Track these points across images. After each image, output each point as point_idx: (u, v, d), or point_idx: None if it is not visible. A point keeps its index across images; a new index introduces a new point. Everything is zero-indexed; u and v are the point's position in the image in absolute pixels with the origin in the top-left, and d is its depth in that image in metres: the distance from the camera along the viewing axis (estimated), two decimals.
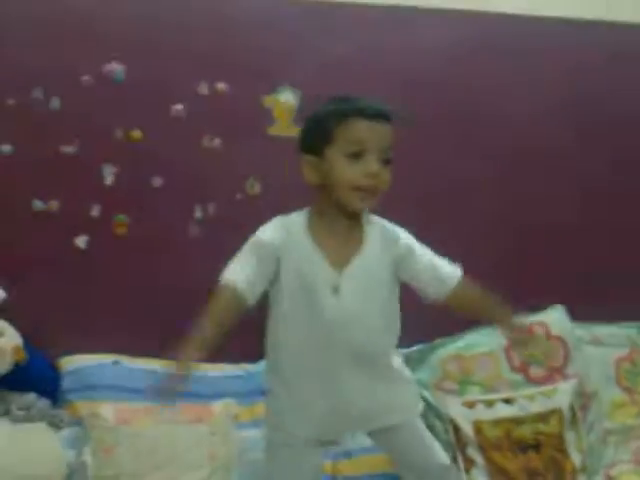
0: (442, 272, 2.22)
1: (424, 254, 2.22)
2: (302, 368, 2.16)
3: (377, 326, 2.18)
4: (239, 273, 2.09)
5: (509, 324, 2.24)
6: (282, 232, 2.13)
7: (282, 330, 2.16)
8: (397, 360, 2.29)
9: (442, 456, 2.37)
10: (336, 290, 2.11)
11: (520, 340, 2.28)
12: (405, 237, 2.22)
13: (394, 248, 2.19)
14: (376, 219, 2.21)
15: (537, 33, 3.40)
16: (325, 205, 2.14)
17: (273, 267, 2.12)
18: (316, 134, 2.12)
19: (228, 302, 2.08)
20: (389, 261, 2.18)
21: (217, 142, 3.13)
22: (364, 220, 2.18)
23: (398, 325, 2.25)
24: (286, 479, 2.24)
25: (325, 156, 2.10)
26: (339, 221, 2.14)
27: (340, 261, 2.12)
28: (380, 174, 2.08)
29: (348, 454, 2.80)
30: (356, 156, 2.07)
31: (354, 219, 2.16)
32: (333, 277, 2.11)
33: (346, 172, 2.07)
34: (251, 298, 2.09)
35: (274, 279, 2.13)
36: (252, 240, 2.15)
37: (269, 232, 2.14)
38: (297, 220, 2.17)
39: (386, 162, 2.10)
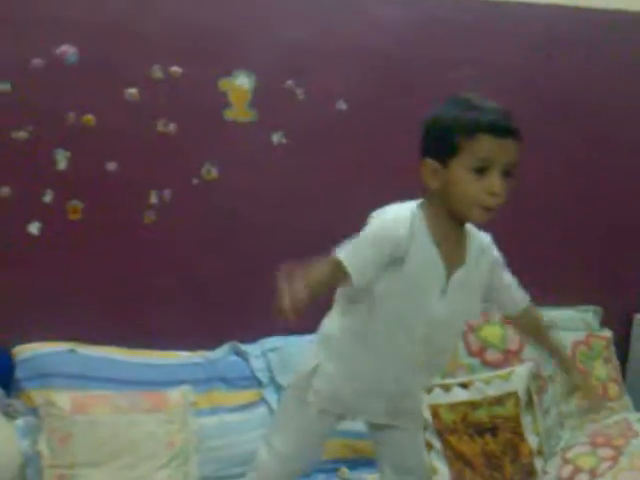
0: (518, 289, 2.34)
1: (505, 268, 2.33)
2: (381, 350, 2.19)
3: (459, 331, 2.34)
4: (357, 264, 2.05)
5: (579, 384, 2.43)
6: (410, 231, 2.08)
7: (378, 311, 2.15)
8: None
9: (423, 461, 2.50)
10: (444, 292, 2.14)
11: (591, 405, 2.59)
12: (494, 247, 2.29)
13: (490, 256, 2.26)
14: (469, 226, 2.21)
15: (494, 13, 3.41)
16: (440, 209, 2.12)
17: (391, 260, 2.09)
18: (441, 143, 2.08)
19: (338, 282, 2.10)
20: (486, 269, 2.25)
21: (172, 127, 3.09)
22: (466, 227, 2.20)
23: None
24: (300, 436, 2.31)
25: (449, 166, 2.06)
26: (451, 226, 2.14)
27: (451, 265, 2.14)
28: (502, 193, 2.06)
29: None
30: (481, 171, 2.04)
31: (463, 225, 2.17)
32: (443, 280, 2.14)
33: (470, 188, 2.05)
34: (360, 285, 2.08)
35: (389, 270, 2.11)
36: (379, 230, 2.09)
37: (399, 230, 2.08)
38: (418, 216, 2.12)
39: (508, 174, 2.07)
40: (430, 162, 2.09)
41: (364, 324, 2.18)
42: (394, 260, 2.08)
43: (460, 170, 2.05)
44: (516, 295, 2.34)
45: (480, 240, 2.24)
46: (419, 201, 2.17)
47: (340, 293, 2.23)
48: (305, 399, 2.26)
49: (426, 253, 2.11)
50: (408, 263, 2.09)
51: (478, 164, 2.03)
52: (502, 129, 2.04)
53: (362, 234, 2.10)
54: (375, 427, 2.38)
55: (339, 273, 2.04)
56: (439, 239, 2.12)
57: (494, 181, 2.04)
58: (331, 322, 2.27)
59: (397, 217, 2.10)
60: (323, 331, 2.29)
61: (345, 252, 2.05)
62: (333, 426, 2.35)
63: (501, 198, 2.07)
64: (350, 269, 2.04)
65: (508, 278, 2.32)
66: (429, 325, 2.15)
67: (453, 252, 2.15)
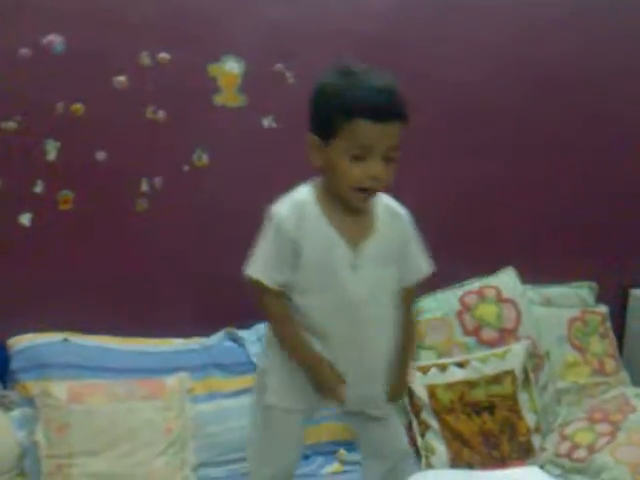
0: (413, 267, 2.25)
1: (417, 242, 2.25)
2: (320, 340, 2.16)
3: (389, 302, 2.21)
4: (273, 273, 2.12)
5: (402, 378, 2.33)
6: (298, 218, 2.08)
7: (300, 305, 2.15)
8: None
9: (405, 442, 2.43)
10: (354, 268, 2.11)
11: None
12: (408, 217, 2.23)
13: (403, 229, 2.21)
14: (378, 195, 2.15)
15: None
16: (329, 187, 2.11)
17: (294, 251, 2.10)
18: (321, 122, 2.04)
19: (287, 306, 2.16)
20: (399, 240, 2.19)
21: (161, 113, 3.07)
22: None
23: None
24: (278, 445, 2.27)
25: (329, 146, 2.03)
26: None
27: (355, 239, 2.11)
28: (383, 176, 2.02)
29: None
30: (360, 158, 2.00)
31: None
32: (351, 255, 2.10)
33: (348, 173, 2.01)
34: (284, 286, 2.15)
35: (296, 260, 2.11)
36: (271, 227, 2.11)
37: (286, 221, 2.08)
38: (309, 198, 2.12)
39: (390, 159, 2.03)
40: (313, 138, 2.06)
41: (297, 313, 2.16)
42: (296, 252, 2.09)
43: (339, 153, 2.01)
44: (411, 273, 2.26)
45: (390, 210, 2.19)
46: (315, 180, 2.15)
47: None
48: (265, 401, 2.23)
49: (321, 235, 2.09)
50: (306, 252, 2.09)
51: (357, 151, 1.99)
52: (382, 113, 1.97)
53: (261, 240, 2.14)
54: (348, 416, 2.36)
55: (284, 302, 2.14)
56: (334, 216, 2.09)
57: (375, 166, 2.00)
58: None
59: (284, 214, 2.09)
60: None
61: (254, 269, 2.13)
62: (301, 424, 2.29)
63: (383, 182, 2.03)
64: (267, 283, 2.12)
65: (417, 250, 2.25)
66: (350, 302, 2.12)
67: (355, 224, 2.11)
